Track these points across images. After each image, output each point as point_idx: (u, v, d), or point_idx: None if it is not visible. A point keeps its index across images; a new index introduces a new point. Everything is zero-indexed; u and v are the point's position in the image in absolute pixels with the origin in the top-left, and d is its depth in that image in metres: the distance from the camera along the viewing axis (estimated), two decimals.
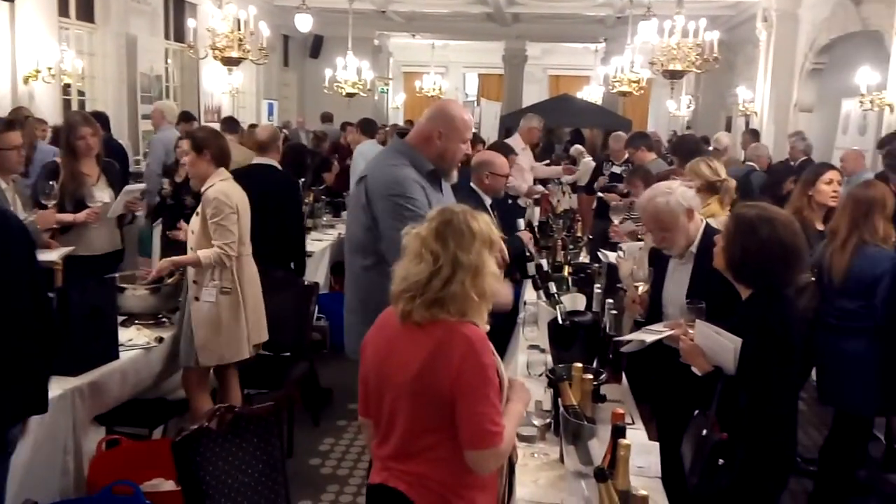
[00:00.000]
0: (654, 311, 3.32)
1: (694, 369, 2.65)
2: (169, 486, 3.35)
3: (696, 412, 2.65)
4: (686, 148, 6.31)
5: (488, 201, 4.33)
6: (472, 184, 4.46)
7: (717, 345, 2.55)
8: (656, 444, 2.70)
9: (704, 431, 2.48)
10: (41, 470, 3.08)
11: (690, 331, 2.71)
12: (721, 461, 2.41)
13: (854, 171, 6.98)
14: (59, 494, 3.21)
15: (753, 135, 11.15)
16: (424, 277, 2.04)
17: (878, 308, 3.68)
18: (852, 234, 3.74)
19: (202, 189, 3.95)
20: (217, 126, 8.21)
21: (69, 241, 4.47)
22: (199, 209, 3.95)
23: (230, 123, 8.27)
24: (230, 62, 8.79)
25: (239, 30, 8.55)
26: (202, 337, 3.88)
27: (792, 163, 7.89)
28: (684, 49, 8.49)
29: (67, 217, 4.44)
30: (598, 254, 5.21)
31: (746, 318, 2.54)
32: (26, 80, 8.06)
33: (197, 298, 3.91)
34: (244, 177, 4.48)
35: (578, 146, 13.26)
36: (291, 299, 4.78)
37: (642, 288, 3.39)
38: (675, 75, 8.71)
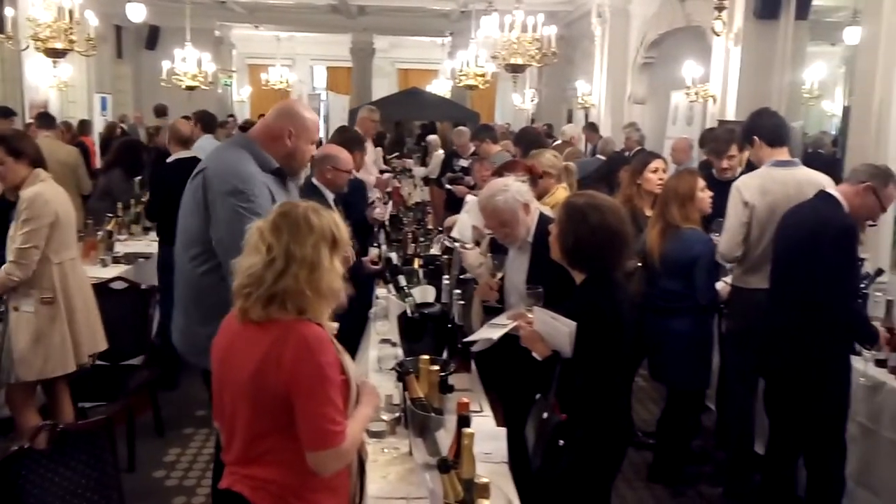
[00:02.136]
0: (499, 298, 3.44)
1: (535, 354, 2.72)
2: None
3: (538, 396, 2.73)
4: (528, 139, 6.51)
5: (330, 197, 4.27)
6: (313, 179, 4.39)
7: (554, 329, 2.63)
8: (503, 430, 2.76)
9: (545, 414, 2.56)
10: None
11: (531, 315, 2.79)
12: (561, 442, 2.49)
13: (683, 160, 7.44)
14: None
15: (592, 128, 11.69)
16: (258, 270, 1.97)
17: (697, 288, 3.94)
18: (658, 220, 4.04)
19: (21, 192, 3.66)
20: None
21: None
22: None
23: (46, 119, 7.73)
24: (55, 54, 8.20)
25: (64, 19, 7.98)
26: (20, 350, 3.61)
27: (627, 153, 8.30)
28: (524, 44, 8.75)
29: None
30: (445, 241, 5.26)
31: (580, 303, 2.64)
32: None
33: (16, 308, 3.63)
34: (171, 171, 4.21)
35: (434, 136, 13.37)
36: (128, 304, 4.54)
37: (498, 275, 3.50)
38: (516, 69, 8.96)
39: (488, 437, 2.63)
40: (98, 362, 4.12)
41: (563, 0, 14.88)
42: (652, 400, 5.40)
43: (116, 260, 5.66)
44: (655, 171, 4.54)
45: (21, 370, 3.63)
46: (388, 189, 8.05)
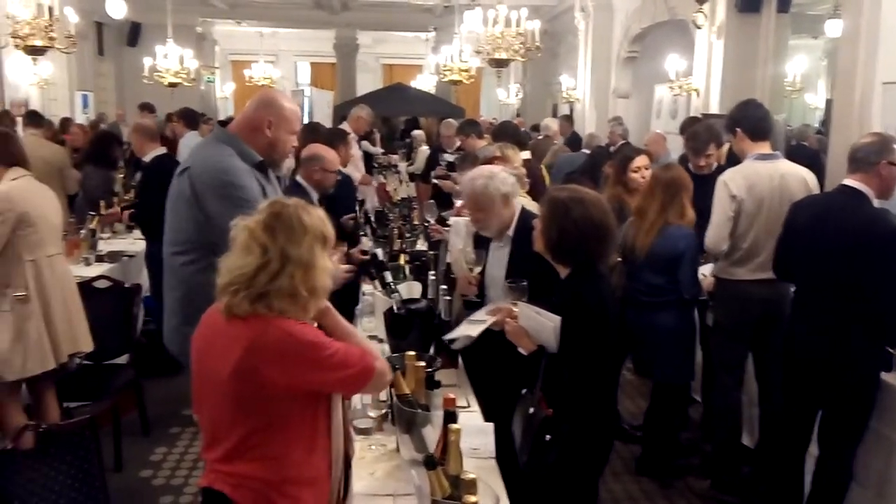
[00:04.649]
0: (479, 293, 3.44)
1: (520, 349, 2.72)
2: None
3: (524, 391, 2.73)
4: (506, 134, 6.50)
5: (315, 196, 4.25)
6: (298, 177, 4.37)
7: (539, 325, 2.63)
8: (490, 426, 2.75)
9: (532, 409, 2.56)
10: None
11: (516, 309, 2.79)
12: (548, 437, 2.50)
13: (658, 154, 7.45)
14: None
15: (568, 120, 11.69)
16: (251, 271, 1.96)
17: (682, 282, 3.95)
18: (660, 216, 3.99)
19: None
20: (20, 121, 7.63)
21: None
22: None
23: (34, 118, 7.66)
24: (34, 51, 8.11)
25: (44, 16, 7.90)
26: (1, 350, 3.59)
27: (611, 147, 8.31)
28: (508, 38, 8.73)
29: None
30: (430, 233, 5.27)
31: (565, 296, 2.65)
32: None
33: None
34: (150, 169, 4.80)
35: (419, 132, 13.37)
36: (112, 303, 4.50)
37: (476, 269, 3.47)
38: (500, 64, 8.93)
39: (476, 432, 2.63)
40: (83, 361, 4.09)
41: None
42: (639, 393, 5.42)
43: (100, 258, 5.62)
44: (638, 169, 4.55)
45: (2, 370, 3.60)
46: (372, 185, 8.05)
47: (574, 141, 10.04)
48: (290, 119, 3.00)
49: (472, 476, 1.91)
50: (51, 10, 7.96)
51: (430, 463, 1.92)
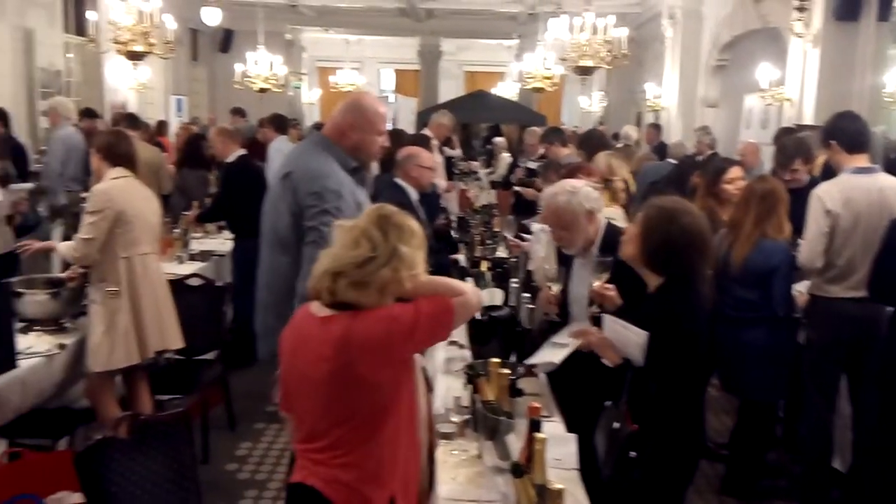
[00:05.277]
0: (562, 309, 3.35)
1: (605, 361, 2.68)
2: (75, 499, 3.19)
3: (608, 403, 2.68)
4: (592, 142, 6.44)
5: (415, 196, 4.27)
6: (396, 179, 4.41)
7: (625, 338, 2.59)
8: (573, 437, 2.72)
9: (617, 424, 2.51)
10: None
11: (597, 330, 2.74)
12: (633, 453, 2.44)
13: (752, 164, 7.23)
14: None
15: (656, 129, 11.47)
16: (359, 261, 2.03)
17: (775, 298, 3.82)
18: (756, 229, 3.86)
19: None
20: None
21: None
22: None
23: (130, 120, 7.99)
24: (134, 56, 8.48)
25: (144, 23, 8.24)
26: (93, 341, 3.76)
27: (699, 157, 8.12)
28: (594, 46, 8.67)
29: None
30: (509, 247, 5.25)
31: (655, 309, 2.59)
32: None
33: (93, 301, 3.80)
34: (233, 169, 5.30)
35: (500, 139, 13.35)
36: (203, 301, 4.65)
37: (556, 287, 3.41)
38: (585, 71, 8.89)
39: (559, 442, 2.60)
40: (174, 356, 4.23)
41: (633, 2, 14.68)
42: (724, 411, 5.27)
43: (192, 257, 5.82)
44: (732, 180, 4.42)
45: (91, 360, 3.77)
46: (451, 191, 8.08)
47: (660, 149, 9.86)
48: (373, 120, 3.06)
49: (559, 486, 1.90)
50: (151, 16, 8.30)
51: (518, 471, 1.92)
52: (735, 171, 4.50)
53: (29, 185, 4.99)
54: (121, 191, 3.83)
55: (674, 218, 2.60)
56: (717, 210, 4.39)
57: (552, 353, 2.97)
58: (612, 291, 2.87)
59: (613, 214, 3.90)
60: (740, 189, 4.29)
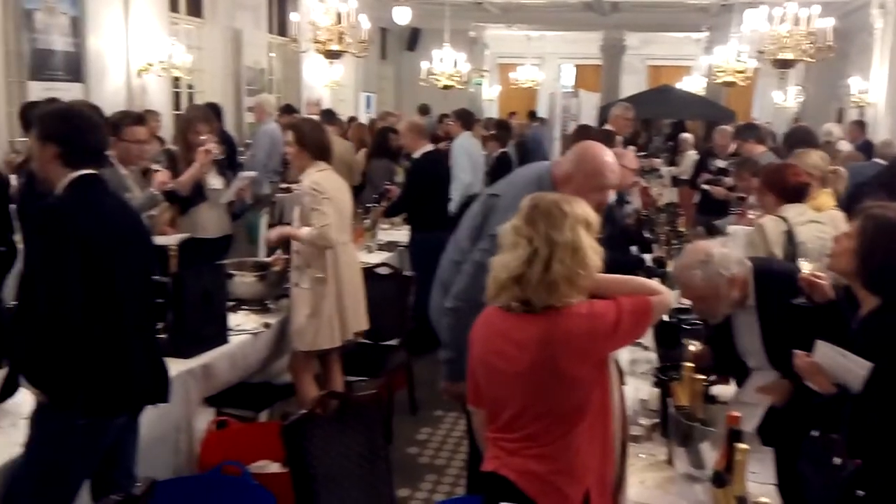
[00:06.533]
0: (730, 365, 3.01)
1: (812, 386, 2.41)
2: (274, 468, 3.44)
3: (816, 433, 2.43)
4: (796, 138, 6.05)
5: (613, 196, 4.18)
6: None
7: (843, 367, 2.31)
8: (769, 450, 2.59)
9: (838, 460, 2.24)
10: (156, 447, 3.20)
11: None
12: (861, 492, 2.16)
13: None
14: (171, 472, 3.34)
15: (860, 126, 10.58)
16: (522, 263, 2.05)
17: None
18: None
19: (300, 180, 4.08)
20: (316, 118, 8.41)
21: (185, 226, 4.60)
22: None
23: (328, 115, 8.42)
24: (331, 55, 8.94)
25: (342, 23, 8.67)
26: (297, 322, 4.00)
27: None
28: (796, 37, 8.15)
29: (186, 175, 4.45)
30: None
31: (872, 332, 2.34)
32: (139, 74, 8.45)
33: (297, 284, 4.03)
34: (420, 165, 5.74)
35: (688, 135, 12.85)
36: (391, 289, 4.84)
37: (694, 347, 3.00)
38: (785, 65, 8.37)
39: (754, 456, 2.48)
40: (362, 340, 4.44)
41: None
42: None
43: (381, 247, 6.07)
44: None
45: (296, 340, 4.03)
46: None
47: (865, 148, 9.10)
48: (592, 176, 2.91)
49: (765, 500, 1.81)
50: (347, 17, 8.72)
51: (720, 480, 1.86)
52: None
53: (253, 174, 5.38)
54: (327, 183, 4.05)
55: None
56: None
57: (747, 421, 2.61)
58: (825, 280, 2.63)
59: (829, 219, 3.66)
60: None
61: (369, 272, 4.72)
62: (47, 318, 2.38)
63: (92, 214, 2.50)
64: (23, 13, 6.88)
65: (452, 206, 6.56)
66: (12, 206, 4.15)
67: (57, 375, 2.42)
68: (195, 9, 10.08)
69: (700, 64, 17.32)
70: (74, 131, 2.56)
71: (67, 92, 7.01)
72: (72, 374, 2.42)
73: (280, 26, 12.11)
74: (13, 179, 4.51)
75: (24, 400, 2.62)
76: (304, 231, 3.94)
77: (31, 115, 3.45)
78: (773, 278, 2.78)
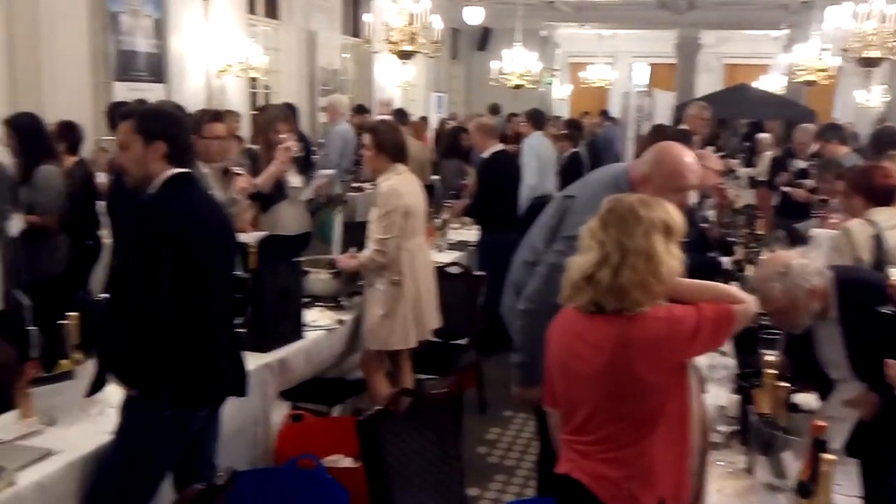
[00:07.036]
0: (809, 376, 2.88)
1: None
2: (347, 462, 3.49)
3: None
4: (884, 139, 5.83)
5: (695, 198, 4.10)
6: None
7: None
8: (855, 462, 2.51)
9: None
10: (235, 439, 3.28)
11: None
12: None
13: None
14: (249, 463, 3.42)
15: None
16: (592, 266, 2.04)
17: None
18: None
19: (378, 182, 4.11)
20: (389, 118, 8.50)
21: (265, 223, 4.70)
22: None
23: (400, 115, 8.49)
24: (404, 55, 9.02)
25: (414, 24, 8.74)
26: (371, 322, 4.05)
27: None
28: (882, 35, 7.86)
29: (267, 173, 4.53)
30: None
31: None
32: (218, 75, 8.68)
33: (371, 285, 4.08)
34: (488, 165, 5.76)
35: (766, 135, 12.50)
36: (462, 288, 4.85)
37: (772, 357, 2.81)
38: (871, 63, 8.08)
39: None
40: (432, 339, 4.47)
41: None
42: None
43: (451, 246, 6.10)
44: None
45: (369, 339, 4.08)
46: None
47: None
48: (671, 177, 2.84)
49: None
50: (420, 17, 8.78)
51: (805, 491, 1.81)
52: None
53: (332, 172, 5.47)
54: (405, 186, 4.09)
55: None
56: None
57: (835, 440, 2.55)
58: None
59: None
60: None
61: (440, 271, 4.74)
62: (139, 315, 2.46)
63: (186, 211, 2.58)
64: (108, 16, 7.16)
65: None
66: (99, 203, 4.31)
67: (146, 368, 2.51)
68: (272, 10, 10.31)
69: (778, 62, 16.83)
70: (181, 131, 2.67)
71: (150, 92, 7.27)
72: (160, 367, 2.50)
73: (353, 27, 12.28)
74: (102, 177, 4.68)
75: (112, 389, 2.72)
76: (363, 256, 4.01)
77: (118, 114, 3.57)
78: (858, 288, 2.70)
